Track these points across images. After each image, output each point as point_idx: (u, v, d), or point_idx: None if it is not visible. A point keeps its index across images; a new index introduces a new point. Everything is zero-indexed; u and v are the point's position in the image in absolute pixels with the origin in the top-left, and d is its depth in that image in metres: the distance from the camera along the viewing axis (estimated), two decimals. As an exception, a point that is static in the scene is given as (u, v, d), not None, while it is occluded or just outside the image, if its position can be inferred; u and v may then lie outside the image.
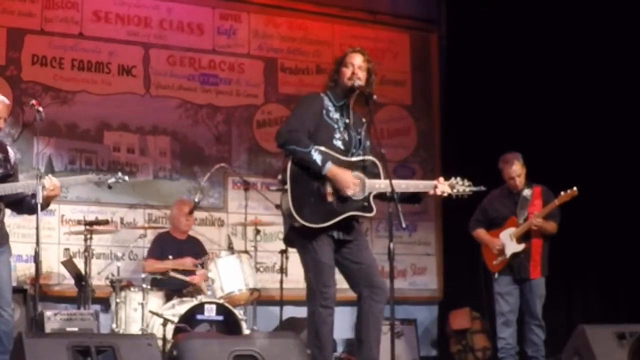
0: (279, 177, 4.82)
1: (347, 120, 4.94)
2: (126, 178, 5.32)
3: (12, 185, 5.04)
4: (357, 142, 4.93)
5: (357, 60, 4.92)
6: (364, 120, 5.03)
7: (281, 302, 7.21)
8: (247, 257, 6.70)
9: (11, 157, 5.18)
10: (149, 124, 7.87)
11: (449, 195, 5.01)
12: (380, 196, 4.87)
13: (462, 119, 8.54)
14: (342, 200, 4.75)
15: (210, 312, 6.19)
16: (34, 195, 4.91)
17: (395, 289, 4.80)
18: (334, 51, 8.18)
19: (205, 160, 7.92)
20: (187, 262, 6.82)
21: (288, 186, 4.72)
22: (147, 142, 7.83)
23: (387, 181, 4.75)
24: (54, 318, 6.35)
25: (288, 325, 6.99)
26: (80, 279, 6.70)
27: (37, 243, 4.87)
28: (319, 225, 4.71)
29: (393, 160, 8.44)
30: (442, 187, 4.98)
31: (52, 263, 7.24)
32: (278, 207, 5.00)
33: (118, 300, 6.36)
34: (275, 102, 8.38)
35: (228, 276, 6.48)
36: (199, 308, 6.18)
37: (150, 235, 7.29)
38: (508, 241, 6.63)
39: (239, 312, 6.33)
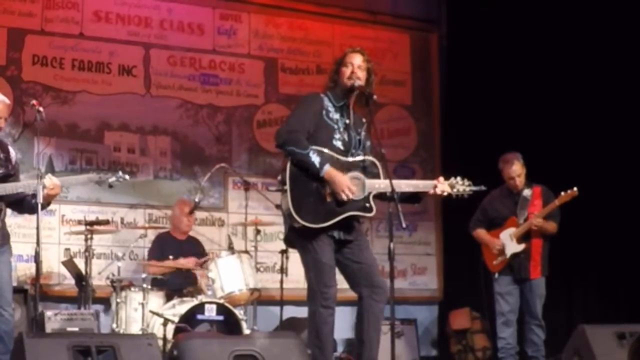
0: (279, 177, 4.82)
1: (347, 121, 4.93)
2: (127, 177, 5.31)
3: (13, 185, 5.04)
4: (357, 143, 4.92)
5: (357, 60, 4.92)
6: (364, 120, 5.03)
7: (281, 302, 7.21)
8: (247, 257, 6.69)
9: (12, 157, 5.19)
10: (150, 124, 7.87)
11: (449, 194, 5.01)
12: (380, 196, 4.87)
13: (462, 119, 8.54)
14: (342, 201, 4.74)
15: (210, 312, 6.18)
16: (34, 195, 4.91)
17: (395, 289, 4.80)
18: (334, 51, 8.18)
19: (205, 160, 7.92)
20: (191, 262, 6.83)
21: (288, 186, 4.71)
22: (147, 142, 7.84)
23: (387, 181, 4.75)
24: (54, 318, 6.35)
25: (288, 325, 6.99)
26: (81, 278, 6.70)
27: (38, 243, 4.87)
28: (319, 225, 4.71)
29: (393, 160, 8.43)
30: (442, 186, 4.97)
31: (53, 263, 7.24)
32: (278, 207, 5.01)
33: (118, 300, 6.36)
34: (275, 102, 8.39)
35: (228, 276, 6.47)
36: (200, 308, 6.17)
37: (151, 235, 7.30)
38: (508, 241, 6.63)
39: (239, 312, 6.33)
